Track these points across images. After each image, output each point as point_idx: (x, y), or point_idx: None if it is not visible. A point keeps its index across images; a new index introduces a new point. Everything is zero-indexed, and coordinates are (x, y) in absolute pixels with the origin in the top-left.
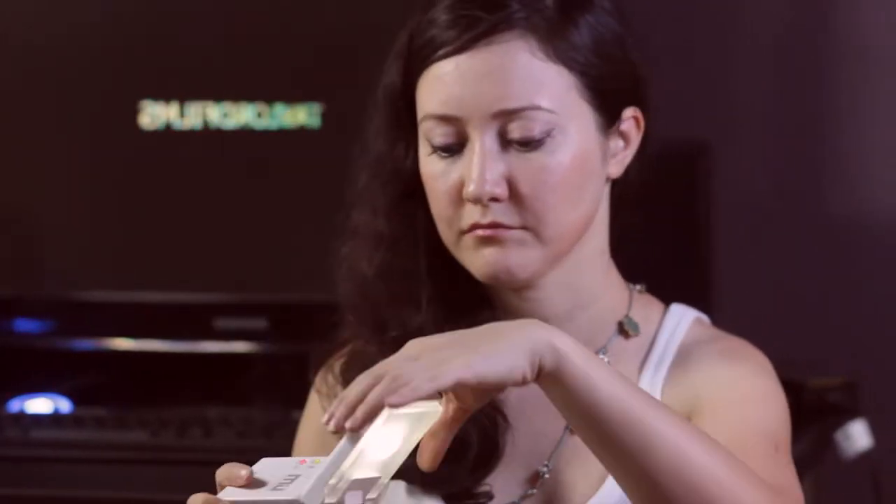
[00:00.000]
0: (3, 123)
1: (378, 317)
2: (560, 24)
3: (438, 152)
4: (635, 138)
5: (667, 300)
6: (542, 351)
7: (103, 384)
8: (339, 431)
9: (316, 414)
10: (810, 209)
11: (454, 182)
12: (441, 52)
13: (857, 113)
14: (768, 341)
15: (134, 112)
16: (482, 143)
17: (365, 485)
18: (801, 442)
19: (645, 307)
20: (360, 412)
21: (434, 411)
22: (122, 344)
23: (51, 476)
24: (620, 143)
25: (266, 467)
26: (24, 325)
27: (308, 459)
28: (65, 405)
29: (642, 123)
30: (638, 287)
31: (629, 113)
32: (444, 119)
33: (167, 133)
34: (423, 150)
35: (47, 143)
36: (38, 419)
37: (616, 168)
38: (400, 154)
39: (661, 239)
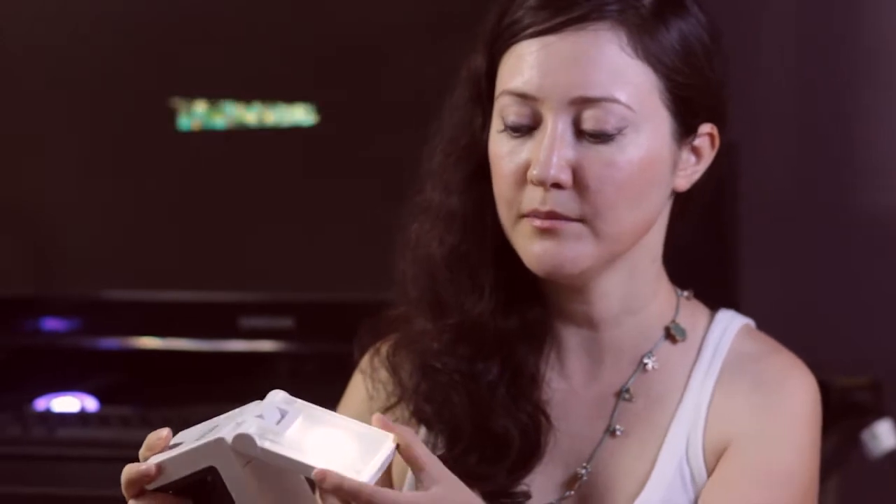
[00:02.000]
0: (29, 125)
1: (439, 300)
2: (653, 23)
3: (509, 131)
4: (708, 156)
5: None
6: None
7: (129, 383)
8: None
9: (357, 393)
10: (836, 209)
11: (520, 163)
12: (530, 31)
13: (884, 113)
14: (793, 340)
15: (159, 112)
16: (554, 126)
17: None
18: (827, 442)
19: (692, 313)
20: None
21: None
22: (148, 343)
23: (76, 474)
24: (692, 158)
25: (185, 433)
26: (50, 324)
27: (234, 411)
28: (90, 404)
29: (717, 142)
30: (685, 293)
31: (706, 129)
32: (522, 97)
33: (193, 133)
34: (496, 126)
35: (72, 143)
36: (63, 418)
37: (683, 182)
38: (478, 126)
39: (687, 239)
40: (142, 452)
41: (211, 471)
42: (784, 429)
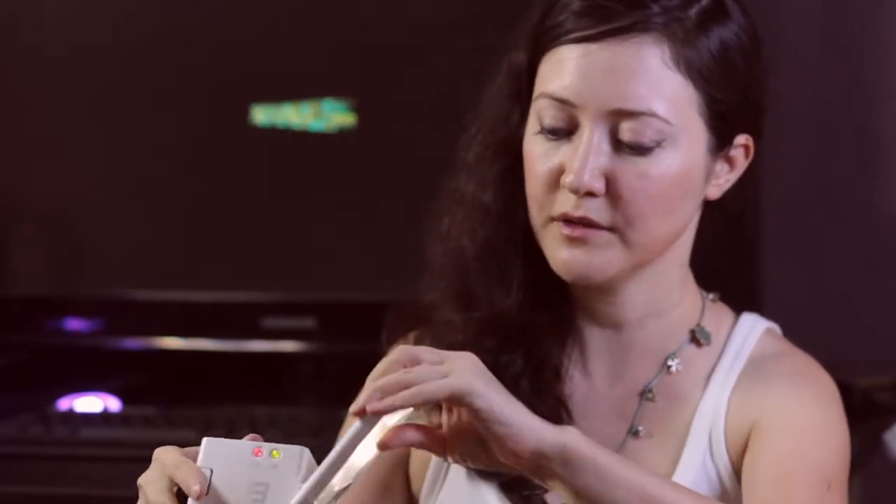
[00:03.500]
0: (51, 124)
1: (468, 291)
2: (696, 37)
3: (546, 133)
4: (741, 165)
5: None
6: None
7: (151, 383)
8: (360, 415)
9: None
10: (857, 210)
11: (554, 166)
12: (572, 37)
13: None
14: (815, 341)
15: (181, 113)
16: (591, 135)
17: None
18: (850, 443)
19: (717, 316)
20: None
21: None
22: (171, 343)
23: (99, 474)
24: (726, 167)
25: (219, 464)
26: (73, 324)
27: (263, 450)
28: (113, 404)
29: (752, 152)
30: (711, 296)
31: (741, 140)
32: (560, 102)
33: (216, 133)
34: (532, 127)
35: (96, 143)
36: (86, 418)
37: (715, 191)
38: (514, 123)
39: (707, 241)
40: (173, 478)
41: None
42: (807, 403)
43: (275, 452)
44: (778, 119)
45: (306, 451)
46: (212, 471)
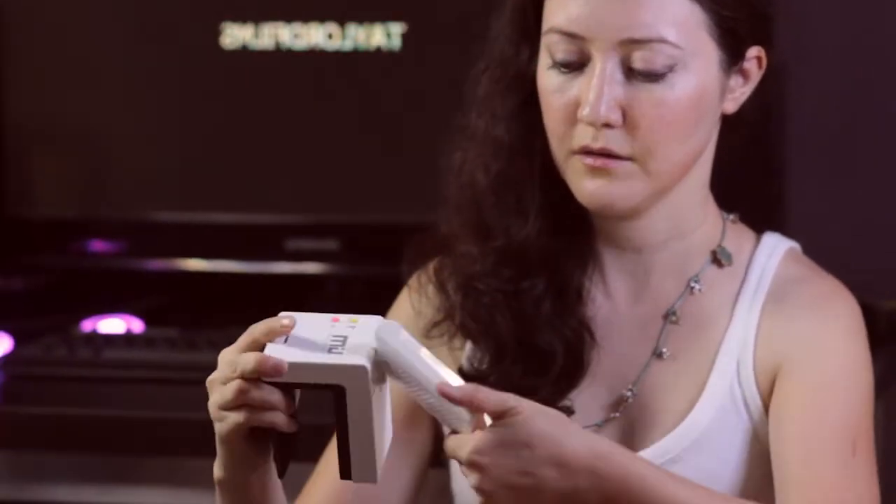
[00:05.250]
0: (74, 43)
1: (484, 223)
2: None
3: (559, 67)
4: (755, 76)
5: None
6: None
7: (175, 304)
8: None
9: (403, 310)
10: (884, 130)
11: (570, 99)
12: None
13: None
14: (841, 263)
15: (210, 32)
16: (603, 67)
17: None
18: (874, 365)
19: (738, 236)
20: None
21: None
22: (194, 265)
23: (122, 395)
24: (740, 80)
25: (301, 322)
26: (97, 245)
27: (341, 317)
28: (137, 325)
29: (764, 63)
30: (731, 216)
31: (753, 52)
32: (569, 36)
33: (241, 53)
34: (544, 61)
35: (118, 63)
36: (109, 339)
37: (731, 105)
38: (524, 59)
39: (736, 161)
40: (256, 337)
41: (334, 388)
42: (834, 341)
43: (353, 319)
44: (806, 38)
45: (382, 319)
46: (295, 322)
